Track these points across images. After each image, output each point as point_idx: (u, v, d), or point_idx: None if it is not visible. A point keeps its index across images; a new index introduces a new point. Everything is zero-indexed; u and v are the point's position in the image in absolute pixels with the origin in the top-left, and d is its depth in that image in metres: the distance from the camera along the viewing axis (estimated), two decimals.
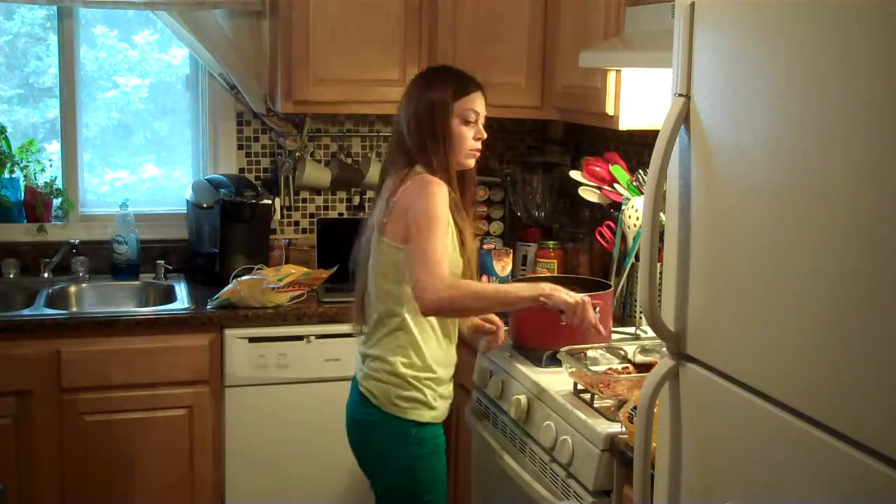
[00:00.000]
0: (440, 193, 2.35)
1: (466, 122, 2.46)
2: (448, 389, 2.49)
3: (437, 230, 2.31)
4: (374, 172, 3.79)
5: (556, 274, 3.31)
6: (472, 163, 2.51)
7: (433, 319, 2.41)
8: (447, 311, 2.38)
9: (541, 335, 2.70)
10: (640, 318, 2.89)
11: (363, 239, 2.52)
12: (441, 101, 2.44)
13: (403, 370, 2.38)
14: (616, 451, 2.18)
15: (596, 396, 2.37)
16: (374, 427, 2.43)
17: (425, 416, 2.40)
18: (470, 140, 2.47)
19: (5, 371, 3.04)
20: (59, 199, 3.65)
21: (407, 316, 2.39)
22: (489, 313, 2.61)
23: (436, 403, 2.42)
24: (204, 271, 3.58)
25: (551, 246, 3.44)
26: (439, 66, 2.69)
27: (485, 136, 2.50)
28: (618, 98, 2.82)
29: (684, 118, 1.72)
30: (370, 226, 2.49)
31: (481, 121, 2.50)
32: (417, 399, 2.39)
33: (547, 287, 2.43)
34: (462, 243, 2.44)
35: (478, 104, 2.48)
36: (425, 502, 2.45)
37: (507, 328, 2.75)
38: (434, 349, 2.42)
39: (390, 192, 2.42)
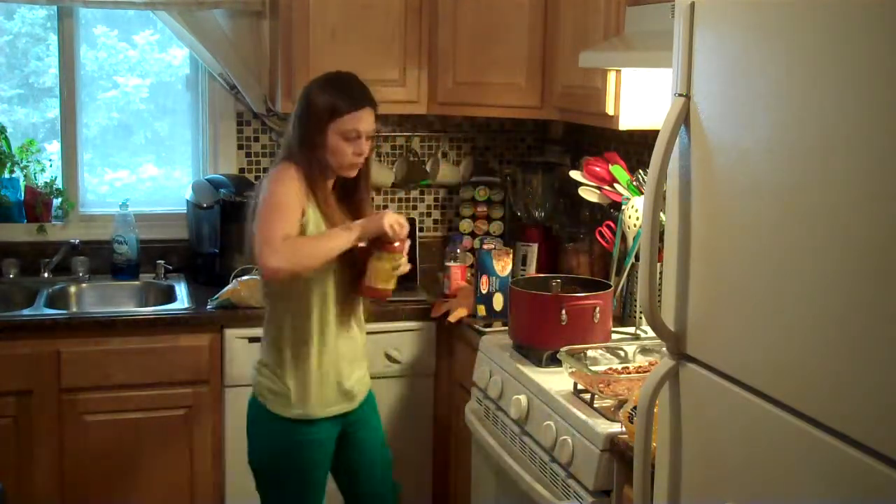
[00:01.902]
0: (284, 180, 2.46)
1: (346, 139, 2.50)
2: (326, 386, 2.56)
3: (275, 213, 2.42)
4: (374, 173, 3.79)
5: (556, 274, 3.31)
6: (351, 173, 2.57)
7: (278, 306, 2.55)
8: (287, 271, 2.41)
9: (541, 335, 2.70)
10: (640, 318, 2.89)
11: None
12: (318, 113, 2.51)
13: (262, 368, 2.60)
14: (616, 451, 2.18)
15: (596, 396, 2.37)
16: (248, 416, 2.67)
17: (288, 411, 2.56)
18: (348, 155, 2.51)
19: (5, 371, 3.04)
20: (59, 199, 3.65)
21: (266, 312, 2.61)
22: (327, 260, 2.50)
23: (297, 398, 2.55)
24: (204, 271, 3.58)
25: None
26: (341, 74, 2.64)
27: (365, 152, 2.55)
28: (618, 98, 2.82)
29: (684, 118, 1.72)
30: None
31: (365, 137, 2.54)
32: (275, 391, 2.56)
33: (356, 228, 2.48)
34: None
35: (362, 122, 2.53)
36: (271, 494, 2.67)
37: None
38: (293, 338, 2.53)
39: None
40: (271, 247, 2.36)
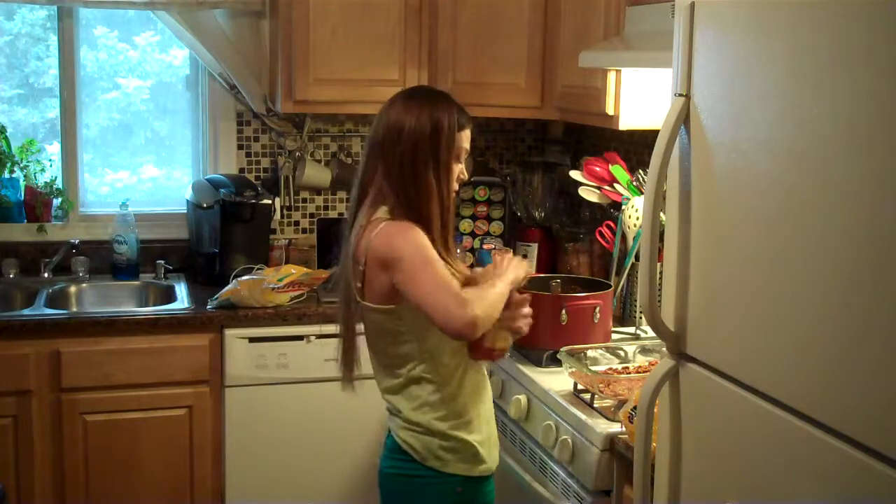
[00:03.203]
0: (418, 234, 2.08)
1: (457, 160, 2.19)
2: (494, 432, 2.22)
3: (435, 268, 2.04)
4: None
5: (556, 274, 3.31)
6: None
7: (449, 361, 2.15)
8: (482, 319, 2.04)
9: (541, 335, 2.70)
10: (640, 318, 2.89)
11: (341, 275, 2.26)
12: (449, 124, 2.15)
13: (439, 425, 2.12)
14: (616, 451, 2.19)
15: (596, 396, 2.37)
16: (414, 485, 2.15)
17: (473, 469, 2.14)
18: (454, 180, 2.19)
19: (5, 371, 3.04)
20: (59, 199, 3.65)
21: (418, 371, 2.13)
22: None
23: (483, 451, 2.15)
24: (204, 271, 3.58)
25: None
26: (432, 88, 2.30)
27: (467, 177, 2.26)
28: (618, 98, 2.83)
29: (684, 118, 1.72)
30: (345, 267, 2.23)
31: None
32: (462, 451, 2.13)
33: (505, 279, 2.14)
34: None
35: (468, 140, 2.24)
36: None
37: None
38: (465, 390, 2.15)
39: (355, 247, 2.16)
40: (458, 298, 2.00)
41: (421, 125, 2.13)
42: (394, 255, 2.06)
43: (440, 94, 2.26)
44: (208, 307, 3.25)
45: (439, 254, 2.11)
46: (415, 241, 2.07)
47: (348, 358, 2.27)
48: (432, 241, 2.11)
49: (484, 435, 2.17)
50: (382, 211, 2.15)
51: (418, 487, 2.14)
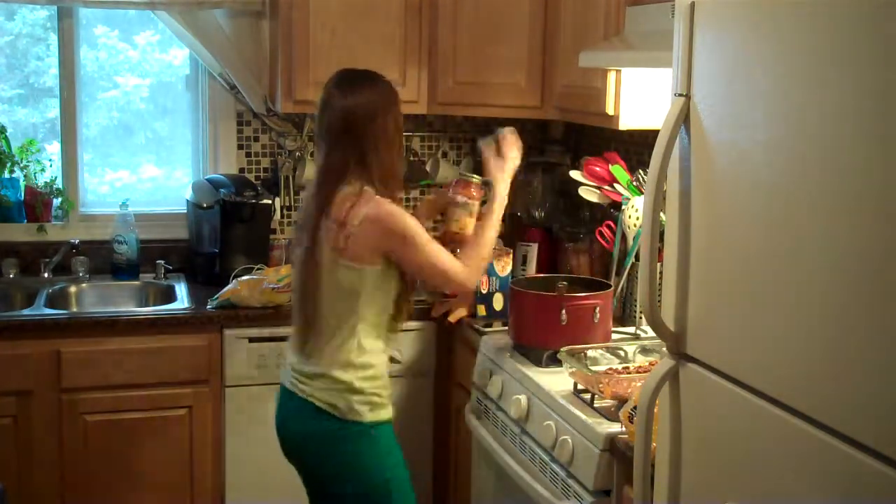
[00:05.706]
0: (402, 212, 2.40)
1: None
2: (389, 384, 2.51)
3: (423, 241, 2.40)
4: None
5: (559, 274, 3.31)
6: None
7: (379, 326, 2.45)
8: (480, 277, 2.70)
9: (541, 335, 2.70)
10: (640, 318, 2.89)
11: (300, 255, 2.48)
12: (398, 104, 2.50)
13: (360, 384, 2.39)
14: (616, 451, 2.18)
15: (596, 396, 2.37)
16: (337, 437, 2.40)
17: (382, 415, 2.44)
18: None
19: (5, 371, 3.04)
20: (59, 199, 3.65)
21: (359, 333, 2.40)
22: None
23: (385, 399, 2.46)
24: (204, 271, 3.58)
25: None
26: (357, 68, 2.59)
27: None
28: (618, 98, 2.83)
29: (684, 118, 1.72)
30: (309, 242, 2.42)
31: None
32: (374, 402, 2.42)
33: (500, 195, 2.68)
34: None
35: None
36: (394, 500, 2.45)
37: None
38: (380, 355, 2.46)
39: (340, 214, 2.36)
40: (454, 268, 2.45)
41: (388, 98, 2.46)
42: (405, 231, 2.37)
43: (374, 72, 2.55)
44: (208, 307, 3.25)
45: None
46: (414, 221, 2.40)
47: (316, 325, 2.45)
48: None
49: (389, 388, 2.48)
50: (367, 188, 2.38)
51: (341, 439, 2.40)
